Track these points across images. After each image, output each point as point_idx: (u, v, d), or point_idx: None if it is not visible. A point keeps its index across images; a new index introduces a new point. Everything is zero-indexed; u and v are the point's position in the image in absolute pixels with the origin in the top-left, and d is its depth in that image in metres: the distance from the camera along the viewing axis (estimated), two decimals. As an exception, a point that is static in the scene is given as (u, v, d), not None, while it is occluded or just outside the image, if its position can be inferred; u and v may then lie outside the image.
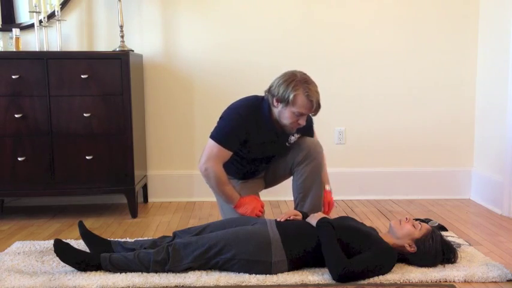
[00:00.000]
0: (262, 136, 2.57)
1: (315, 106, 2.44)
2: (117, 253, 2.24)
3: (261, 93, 2.96)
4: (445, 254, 2.25)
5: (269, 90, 2.52)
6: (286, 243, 2.17)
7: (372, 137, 3.65)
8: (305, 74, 2.49)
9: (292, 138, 2.66)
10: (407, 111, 3.64)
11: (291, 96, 2.41)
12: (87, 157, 3.10)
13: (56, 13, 3.35)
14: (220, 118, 2.64)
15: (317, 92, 2.46)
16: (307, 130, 2.72)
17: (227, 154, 2.55)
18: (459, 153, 3.69)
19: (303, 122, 2.48)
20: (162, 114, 3.61)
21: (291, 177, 2.75)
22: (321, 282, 2.08)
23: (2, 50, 3.41)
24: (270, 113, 2.54)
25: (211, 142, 2.55)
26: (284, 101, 2.44)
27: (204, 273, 2.16)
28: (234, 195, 2.61)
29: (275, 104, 2.50)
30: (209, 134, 2.62)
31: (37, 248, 2.54)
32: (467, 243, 2.59)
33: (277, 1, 3.54)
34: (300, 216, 2.41)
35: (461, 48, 3.60)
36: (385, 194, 3.67)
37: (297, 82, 2.44)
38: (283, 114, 2.48)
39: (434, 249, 2.22)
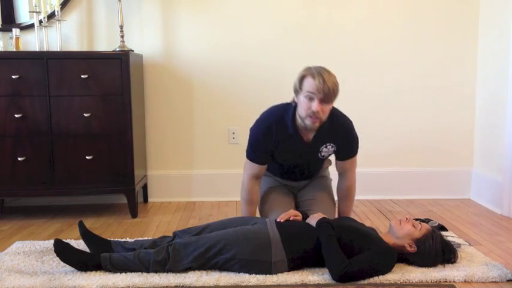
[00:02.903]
0: (289, 144, 2.51)
1: (322, 83, 2.30)
2: (117, 253, 2.24)
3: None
4: (445, 254, 2.25)
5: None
6: (286, 243, 2.17)
7: (372, 137, 3.65)
8: (321, 66, 2.41)
9: (324, 150, 2.56)
10: (407, 111, 3.64)
11: (298, 80, 2.39)
12: (87, 157, 3.10)
13: (56, 13, 3.35)
14: (250, 131, 2.60)
15: (328, 74, 2.35)
16: (343, 145, 2.57)
17: (258, 167, 2.58)
18: (459, 153, 3.69)
19: (315, 107, 2.33)
20: (162, 114, 3.60)
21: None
22: (321, 282, 2.08)
23: (2, 50, 3.40)
24: (293, 120, 2.48)
25: (246, 160, 2.61)
26: (297, 89, 2.41)
27: (204, 273, 2.16)
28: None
29: (295, 99, 2.45)
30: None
31: (37, 248, 2.54)
32: (467, 243, 2.59)
33: (276, 1, 3.54)
34: (300, 217, 2.41)
35: (461, 49, 3.60)
36: (385, 194, 3.67)
37: (307, 69, 2.40)
38: (299, 104, 2.42)
39: (435, 249, 2.22)
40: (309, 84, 2.34)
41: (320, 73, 2.34)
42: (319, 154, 2.57)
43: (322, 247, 2.14)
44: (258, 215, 2.74)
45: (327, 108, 2.40)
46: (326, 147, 2.55)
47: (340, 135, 2.53)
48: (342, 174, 2.68)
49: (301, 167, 2.71)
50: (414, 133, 3.66)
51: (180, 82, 3.59)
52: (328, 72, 2.37)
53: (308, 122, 2.40)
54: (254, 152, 2.56)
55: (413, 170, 3.68)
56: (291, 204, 2.71)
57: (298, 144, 2.51)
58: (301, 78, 2.39)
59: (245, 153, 2.61)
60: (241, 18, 3.55)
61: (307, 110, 2.37)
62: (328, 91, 2.32)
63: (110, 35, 3.51)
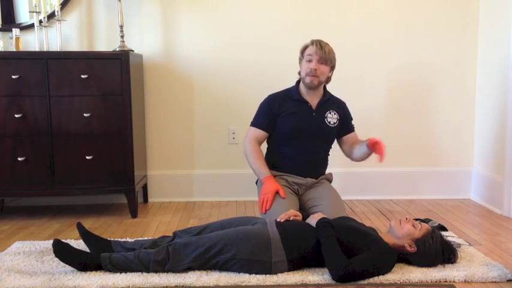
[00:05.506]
0: (292, 106, 2.84)
1: (319, 47, 2.75)
2: (117, 253, 2.24)
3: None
4: (445, 254, 2.25)
5: None
6: (286, 243, 2.17)
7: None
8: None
9: (329, 116, 2.88)
10: (407, 111, 3.64)
11: (301, 51, 2.85)
12: (87, 157, 3.10)
13: (56, 13, 3.35)
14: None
15: (325, 42, 2.81)
16: (345, 116, 2.95)
17: (260, 133, 2.87)
18: (459, 153, 3.69)
19: (312, 65, 2.76)
20: (162, 114, 3.61)
21: None
22: (321, 282, 2.09)
23: (2, 50, 3.41)
24: (297, 87, 2.89)
25: (249, 127, 2.92)
26: (300, 58, 2.86)
27: (204, 273, 2.16)
28: (262, 171, 2.80)
29: (300, 68, 2.86)
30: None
31: (37, 248, 2.54)
32: (467, 243, 2.59)
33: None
34: (300, 217, 2.41)
35: (462, 49, 3.60)
36: (385, 194, 3.67)
37: (308, 41, 2.85)
38: (301, 69, 2.84)
39: (434, 249, 2.22)
40: (308, 49, 2.81)
41: (318, 41, 2.81)
42: (325, 120, 2.86)
43: (322, 247, 2.14)
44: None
45: (325, 69, 2.80)
46: (330, 113, 2.88)
47: (341, 105, 2.96)
48: (352, 145, 2.92)
49: (313, 142, 2.85)
50: (414, 133, 3.66)
51: (180, 82, 3.59)
52: (324, 42, 2.83)
53: (308, 80, 2.80)
54: (258, 117, 2.89)
55: (413, 170, 3.68)
56: (294, 204, 2.73)
57: (303, 108, 2.85)
58: (303, 49, 2.85)
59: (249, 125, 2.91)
60: (241, 18, 3.56)
61: (306, 70, 2.79)
62: (323, 53, 2.76)
63: (110, 35, 3.51)
